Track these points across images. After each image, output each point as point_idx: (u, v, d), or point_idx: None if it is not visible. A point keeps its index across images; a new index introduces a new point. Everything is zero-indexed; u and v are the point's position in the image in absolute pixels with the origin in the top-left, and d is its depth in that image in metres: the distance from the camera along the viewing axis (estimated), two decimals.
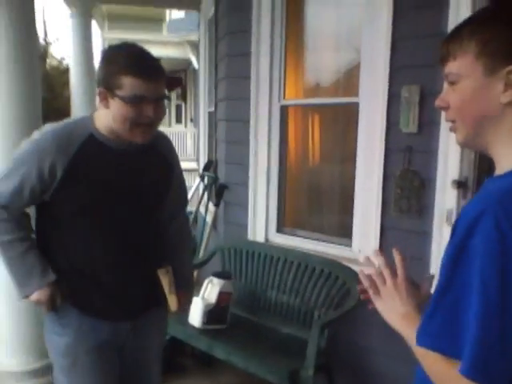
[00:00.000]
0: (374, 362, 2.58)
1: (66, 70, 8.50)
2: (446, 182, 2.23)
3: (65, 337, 1.53)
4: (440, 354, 0.79)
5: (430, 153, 2.31)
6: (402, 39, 2.38)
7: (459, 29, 0.86)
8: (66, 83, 7.86)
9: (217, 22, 3.67)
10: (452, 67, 0.86)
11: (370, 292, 1.02)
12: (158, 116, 1.43)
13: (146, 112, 1.39)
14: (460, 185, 2.15)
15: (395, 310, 0.98)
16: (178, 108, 16.52)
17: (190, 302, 1.91)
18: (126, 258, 1.55)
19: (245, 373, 2.57)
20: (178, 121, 16.59)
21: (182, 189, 1.77)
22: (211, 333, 2.58)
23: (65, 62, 11.35)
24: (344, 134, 2.94)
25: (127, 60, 1.37)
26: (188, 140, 14.26)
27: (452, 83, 0.87)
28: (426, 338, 0.82)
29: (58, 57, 12.60)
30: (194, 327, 2.61)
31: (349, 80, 2.93)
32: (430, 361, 0.82)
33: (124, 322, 1.59)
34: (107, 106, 1.41)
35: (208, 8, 4.37)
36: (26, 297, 1.52)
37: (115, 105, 1.39)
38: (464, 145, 0.93)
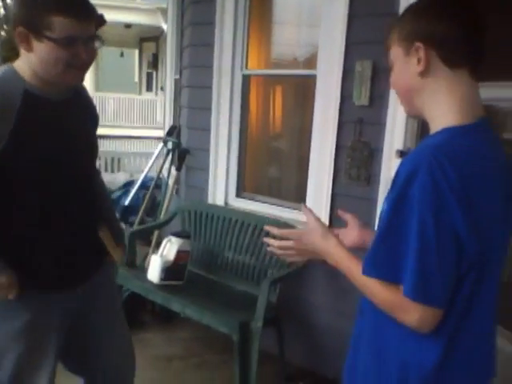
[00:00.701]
0: (319, 316, 2.79)
1: None
2: (392, 152, 2.40)
3: (17, 319, 1.41)
4: (384, 281, 0.97)
5: (378, 125, 2.48)
6: (357, 16, 2.51)
7: (389, 25, 1.09)
8: None
9: None
10: (389, 55, 1.09)
11: (289, 257, 1.25)
12: (91, 57, 1.34)
13: (80, 53, 1.29)
14: (403, 154, 2.33)
15: (319, 250, 1.16)
16: (149, 76, 16.23)
17: (126, 249, 1.85)
18: (74, 218, 1.48)
19: (200, 327, 2.73)
20: (149, 89, 16.32)
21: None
22: (169, 288, 2.72)
23: None
24: (302, 105, 3.07)
25: None
26: (158, 108, 14.11)
27: (391, 68, 1.09)
28: (372, 269, 1.00)
29: None
30: (152, 283, 2.74)
31: (308, 53, 3.04)
32: (377, 289, 0.99)
33: (75, 288, 1.53)
34: (29, 49, 1.28)
35: None
36: None
37: (44, 47, 1.26)
38: (408, 115, 1.14)
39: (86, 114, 1.55)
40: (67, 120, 1.43)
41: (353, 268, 1.07)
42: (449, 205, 0.89)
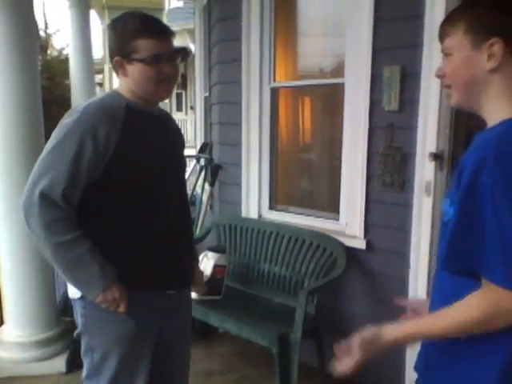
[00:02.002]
0: (358, 327, 2.72)
1: (66, 60, 8.60)
2: (425, 155, 2.36)
3: (129, 322, 1.51)
4: (464, 272, 0.95)
5: (410, 129, 2.44)
6: (382, 22, 2.50)
7: (452, 12, 1.06)
8: (66, 72, 7.97)
9: (209, 10, 3.79)
10: (447, 43, 1.05)
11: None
12: (175, 71, 1.51)
13: (165, 69, 1.46)
14: (436, 157, 2.28)
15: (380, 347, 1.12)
16: (179, 96, 16.60)
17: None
18: (175, 227, 1.59)
19: (239, 342, 2.74)
20: (179, 109, 16.69)
21: None
22: (207, 303, 2.74)
23: (64, 52, 11.48)
24: (331, 114, 3.07)
25: (137, 24, 1.44)
26: (188, 127, 14.37)
27: (447, 55, 1.06)
28: (450, 261, 0.97)
29: (59, 47, 12.76)
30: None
31: (335, 62, 3.05)
32: (470, 302, 0.94)
33: (170, 294, 1.61)
34: (125, 74, 1.47)
35: None
36: (97, 295, 1.45)
37: (135, 69, 1.45)
38: (457, 106, 1.10)
39: (175, 135, 1.71)
40: (164, 133, 1.60)
41: (426, 319, 1.04)
42: None
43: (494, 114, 1.00)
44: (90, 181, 1.43)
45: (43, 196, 1.37)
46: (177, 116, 15.76)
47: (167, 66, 1.46)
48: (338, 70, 2.85)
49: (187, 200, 1.76)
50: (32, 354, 2.80)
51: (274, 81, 3.14)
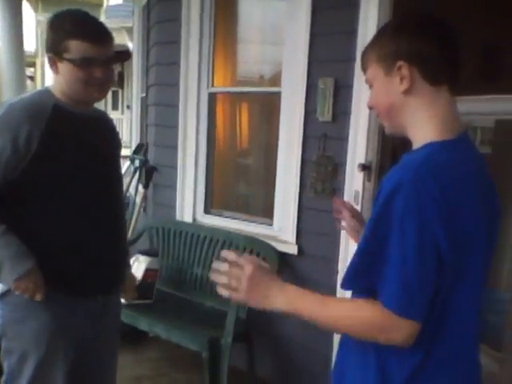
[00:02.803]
0: (289, 331, 2.80)
1: None
2: (354, 166, 2.46)
3: (38, 323, 1.48)
4: (363, 293, 0.97)
5: (341, 140, 2.54)
6: (319, 35, 2.59)
7: (367, 46, 1.11)
8: None
9: (149, 10, 3.74)
10: (367, 75, 1.11)
11: (229, 292, 1.07)
12: (108, 76, 1.50)
13: (96, 74, 1.45)
14: (365, 168, 2.39)
15: (269, 296, 1.04)
16: (115, 94, 16.14)
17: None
18: (104, 231, 1.57)
19: (170, 346, 2.71)
20: (115, 107, 16.23)
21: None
22: (137, 307, 2.68)
23: None
24: (268, 121, 3.13)
25: (73, 24, 1.44)
26: (124, 127, 14.01)
27: (370, 87, 1.11)
28: (352, 281, 0.99)
29: None
30: None
31: (273, 70, 3.11)
32: (359, 310, 0.96)
33: (97, 298, 1.59)
34: (57, 71, 1.48)
35: None
36: (17, 280, 1.43)
37: (65, 68, 1.45)
38: (390, 134, 1.14)
39: (109, 136, 1.68)
40: (92, 134, 1.56)
41: (322, 300, 1.01)
42: (431, 218, 0.90)
43: (416, 135, 1.03)
44: (7, 180, 1.42)
45: None
46: (113, 115, 15.28)
47: (98, 71, 1.46)
48: (276, 79, 2.92)
49: (121, 202, 1.73)
50: None
51: (213, 85, 3.16)
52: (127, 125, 13.58)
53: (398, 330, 0.92)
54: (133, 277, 1.87)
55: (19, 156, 1.40)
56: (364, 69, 1.11)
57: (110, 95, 16.37)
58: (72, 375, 1.57)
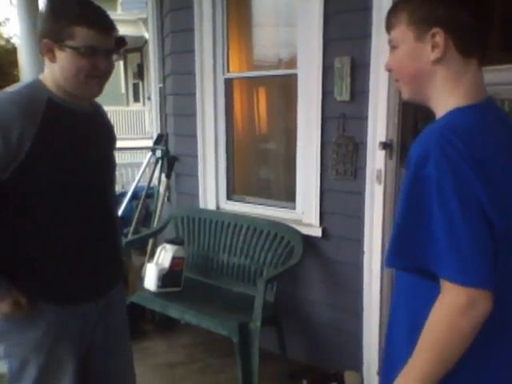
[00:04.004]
0: (317, 312, 2.82)
1: (14, 50, 8.27)
2: (375, 145, 2.43)
3: (35, 331, 1.41)
4: (412, 268, 0.94)
5: (361, 119, 2.51)
6: (333, 14, 2.54)
7: (396, 3, 1.05)
8: (15, 62, 7.66)
9: (160, 0, 3.73)
10: (392, 35, 1.05)
11: None
12: (109, 68, 1.40)
13: (99, 64, 1.35)
14: (386, 146, 2.36)
15: None
16: (136, 87, 16.25)
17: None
18: (95, 231, 1.50)
19: (202, 332, 2.75)
20: (136, 99, 16.35)
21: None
22: (166, 295, 2.74)
23: (13, 41, 11.01)
24: (286, 105, 3.10)
25: (80, 10, 1.31)
26: (146, 118, 14.13)
27: (393, 48, 1.06)
28: (397, 258, 0.95)
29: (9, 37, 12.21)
30: (149, 291, 2.76)
31: (289, 52, 3.07)
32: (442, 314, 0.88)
33: (95, 302, 1.53)
34: (53, 60, 1.34)
35: None
36: None
37: (66, 56, 1.32)
38: (408, 100, 1.10)
39: (104, 132, 1.59)
40: (88, 132, 1.47)
41: (416, 353, 0.93)
42: (467, 177, 0.87)
43: (441, 105, 1.00)
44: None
45: None
46: (134, 107, 15.47)
47: (102, 62, 1.36)
48: (292, 61, 2.88)
49: (113, 199, 1.65)
50: None
51: (228, 71, 3.14)
52: (149, 116, 13.71)
53: (473, 303, 0.86)
54: (133, 268, 1.78)
55: (10, 156, 1.29)
56: (389, 28, 1.06)
57: (131, 87, 16.51)
58: (85, 376, 1.54)
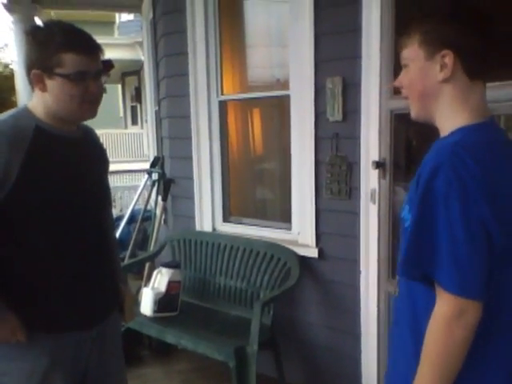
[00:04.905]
0: (315, 335, 2.78)
1: (12, 76, 8.37)
2: (368, 164, 2.43)
3: (29, 360, 1.38)
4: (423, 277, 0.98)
5: (354, 138, 2.51)
6: (323, 34, 2.56)
7: (410, 24, 1.10)
8: (13, 88, 7.75)
9: (155, 24, 3.78)
10: (404, 54, 1.11)
11: None
12: (100, 91, 1.40)
13: (90, 88, 1.35)
14: (379, 165, 2.35)
15: None
16: (134, 109, 16.38)
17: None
18: (89, 258, 1.47)
19: (199, 357, 2.71)
20: (134, 122, 16.46)
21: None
22: (162, 320, 2.71)
23: (11, 67, 11.17)
24: (280, 125, 3.11)
25: (65, 37, 1.32)
26: (144, 141, 14.21)
27: (405, 66, 1.11)
28: (409, 268, 1.00)
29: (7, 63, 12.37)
30: (145, 316, 2.73)
31: (282, 73, 3.09)
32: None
33: (90, 329, 1.50)
34: (44, 89, 1.34)
35: (148, 10, 4.46)
36: None
37: (57, 85, 1.32)
38: (416, 118, 1.14)
39: (96, 155, 1.58)
40: (78, 158, 1.45)
41: (421, 366, 1.00)
42: (474, 195, 0.91)
43: (447, 122, 1.05)
44: None
45: None
46: (133, 130, 15.56)
47: (93, 85, 1.36)
48: (285, 81, 2.90)
49: (109, 225, 1.62)
50: None
51: (222, 94, 3.16)
52: (147, 139, 13.79)
53: (464, 311, 0.93)
54: (130, 295, 1.74)
55: None
56: (402, 47, 1.10)
57: (129, 110, 16.63)
58: None
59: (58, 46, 1.31)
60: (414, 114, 1.13)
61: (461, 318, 0.93)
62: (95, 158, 1.57)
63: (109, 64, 1.43)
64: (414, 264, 0.99)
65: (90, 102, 1.39)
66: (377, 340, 2.46)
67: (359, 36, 2.41)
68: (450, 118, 1.04)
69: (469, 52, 1.01)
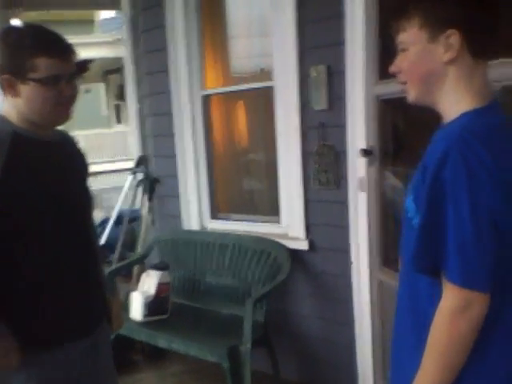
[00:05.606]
0: (309, 328, 2.73)
1: None
2: (356, 152, 2.37)
3: (19, 380, 1.34)
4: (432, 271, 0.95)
5: (340, 127, 2.45)
6: (306, 22, 2.50)
7: (406, 5, 1.02)
8: None
9: (134, 20, 3.69)
10: (402, 37, 1.03)
11: None
12: (74, 93, 1.38)
13: (64, 91, 1.33)
14: (367, 153, 2.30)
15: None
16: (118, 108, 16.23)
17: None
18: (78, 265, 1.43)
19: (193, 359, 2.65)
20: (119, 121, 16.32)
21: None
22: (153, 324, 2.64)
23: None
24: (264, 117, 3.04)
25: (36, 40, 1.29)
26: (130, 139, 14.08)
27: (403, 50, 1.03)
28: (420, 261, 0.97)
29: None
30: (135, 321, 2.65)
31: (265, 64, 3.03)
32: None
33: (80, 342, 1.44)
34: (16, 95, 1.30)
35: (127, 7, 4.36)
36: None
37: (30, 89, 1.29)
38: (415, 102, 1.08)
39: (75, 159, 1.54)
40: (59, 162, 1.43)
41: (424, 361, 0.98)
42: (483, 184, 0.88)
43: (452, 107, 1.00)
44: None
45: None
46: (117, 129, 15.41)
47: (68, 88, 1.33)
48: (269, 72, 2.84)
49: (92, 231, 1.58)
50: None
51: (205, 88, 3.09)
52: (132, 137, 13.62)
53: (469, 304, 0.91)
54: (117, 302, 1.70)
55: None
56: (398, 30, 1.03)
57: (112, 109, 16.46)
58: None
59: (31, 50, 1.28)
60: (412, 98, 1.07)
61: (466, 310, 0.91)
62: (75, 162, 1.54)
63: (83, 65, 1.40)
64: (424, 257, 0.96)
65: (63, 105, 1.36)
66: (371, 329, 2.41)
67: (342, 22, 2.34)
68: (454, 101, 0.99)
69: (475, 29, 0.96)
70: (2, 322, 1.28)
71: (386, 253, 2.35)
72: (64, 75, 1.31)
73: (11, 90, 1.30)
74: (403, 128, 2.49)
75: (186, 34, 3.03)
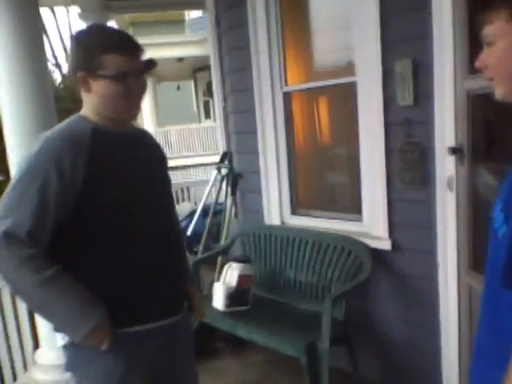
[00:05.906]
0: (391, 329, 2.67)
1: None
2: (444, 150, 2.26)
3: (108, 361, 1.40)
4: None
5: (427, 123, 2.35)
6: (390, 15, 2.43)
7: None
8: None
9: (219, 18, 3.79)
10: (488, 30, 0.98)
11: None
12: (142, 88, 1.45)
13: (132, 86, 1.39)
14: (456, 151, 2.18)
15: None
16: (206, 104, 16.73)
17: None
18: (164, 250, 1.51)
19: (273, 351, 2.70)
20: (207, 116, 16.82)
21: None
22: (234, 314, 2.73)
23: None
24: (346, 113, 3.00)
25: (105, 38, 1.38)
26: (218, 135, 14.47)
27: (489, 44, 0.99)
28: (505, 281, 0.90)
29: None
30: (218, 310, 2.76)
31: (347, 60, 2.97)
32: None
33: (163, 324, 1.50)
34: (89, 90, 1.39)
35: (211, 6, 4.48)
36: (84, 337, 1.34)
37: (100, 85, 1.37)
38: (503, 99, 1.02)
39: (153, 151, 1.62)
40: (137, 153, 1.50)
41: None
42: None
43: None
44: (60, 217, 1.32)
45: (8, 235, 1.27)
46: (206, 124, 15.90)
47: (136, 83, 1.40)
48: (349, 68, 2.79)
49: (175, 216, 1.66)
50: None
51: (286, 85, 3.11)
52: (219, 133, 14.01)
53: None
54: (198, 296, 1.74)
55: (67, 190, 1.31)
56: (484, 23, 0.98)
57: (201, 105, 17.02)
58: None
59: (100, 48, 1.36)
60: (500, 96, 1.00)
61: None
62: (153, 154, 1.61)
63: (150, 63, 1.46)
64: None
65: (131, 100, 1.42)
66: (458, 335, 2.30)
67: (429, 14, 2.24)
68: None
69: None
70: (102, 310, 1.36)
71: (476, 255, 2.23)
72: (132, 71, 1.38)
73: (85, 86, 1.39)
74: (497, 124, 2.33)
75: (267, 32, 3.06)
